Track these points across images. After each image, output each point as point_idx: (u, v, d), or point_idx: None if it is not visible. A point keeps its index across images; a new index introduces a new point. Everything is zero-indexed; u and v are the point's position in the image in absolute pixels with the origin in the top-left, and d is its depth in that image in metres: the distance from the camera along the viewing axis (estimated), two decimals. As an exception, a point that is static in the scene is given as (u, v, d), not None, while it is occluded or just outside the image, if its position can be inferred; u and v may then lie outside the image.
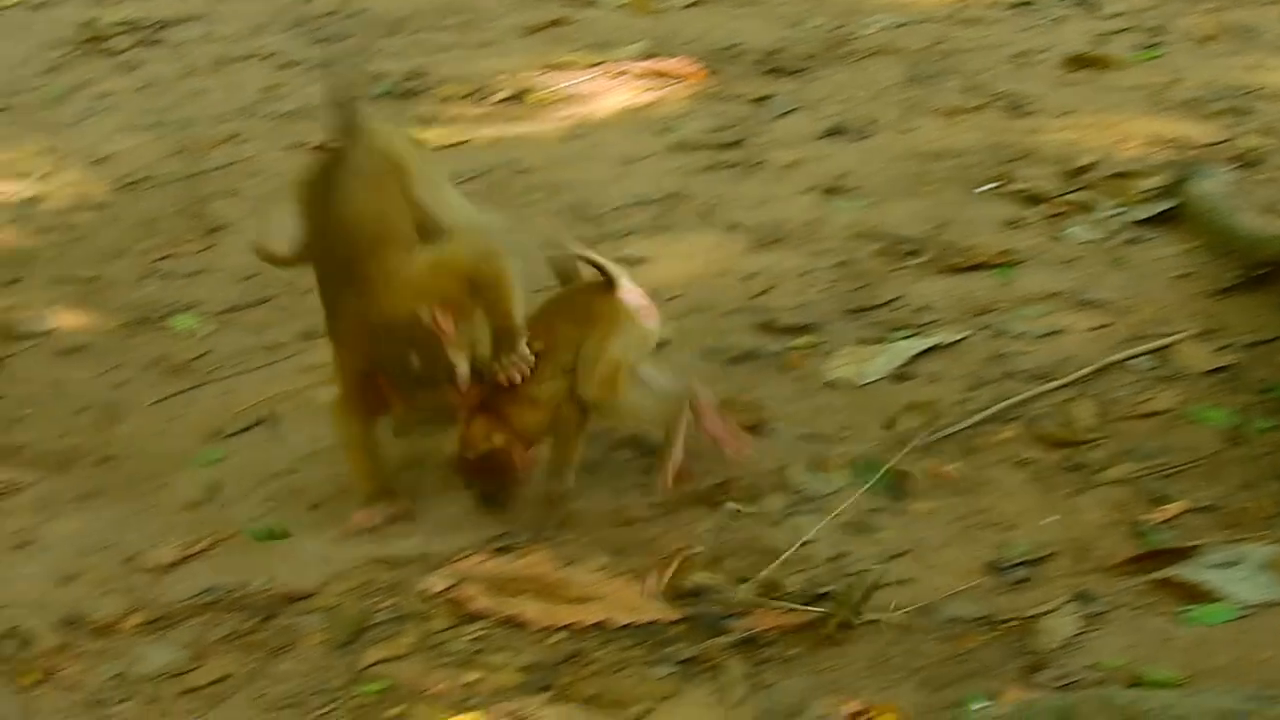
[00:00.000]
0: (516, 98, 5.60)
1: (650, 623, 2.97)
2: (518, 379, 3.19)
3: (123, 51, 6.37)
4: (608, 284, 3.26)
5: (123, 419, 3.85)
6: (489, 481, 3.28)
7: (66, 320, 4.31)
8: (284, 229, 3.42)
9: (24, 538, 3.42)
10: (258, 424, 3.79)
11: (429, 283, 3.21)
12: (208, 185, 5.09)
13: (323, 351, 3.91)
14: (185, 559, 3.31)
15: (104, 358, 4.13)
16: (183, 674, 2.97)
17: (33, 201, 5.06)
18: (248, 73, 6.07)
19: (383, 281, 3.18)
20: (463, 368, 3.18)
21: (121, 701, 2.90)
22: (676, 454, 3.29)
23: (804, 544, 3.15)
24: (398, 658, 2.96)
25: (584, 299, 3.30)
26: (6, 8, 7.02)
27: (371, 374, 3.26)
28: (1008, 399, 3.52)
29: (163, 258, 4.63)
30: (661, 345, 3.44)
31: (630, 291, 3.29)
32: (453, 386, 3.18)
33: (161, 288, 4.46)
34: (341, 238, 3.24)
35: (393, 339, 3.16)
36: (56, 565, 3.31)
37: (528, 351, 3.18)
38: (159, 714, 2.86)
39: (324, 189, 3.28)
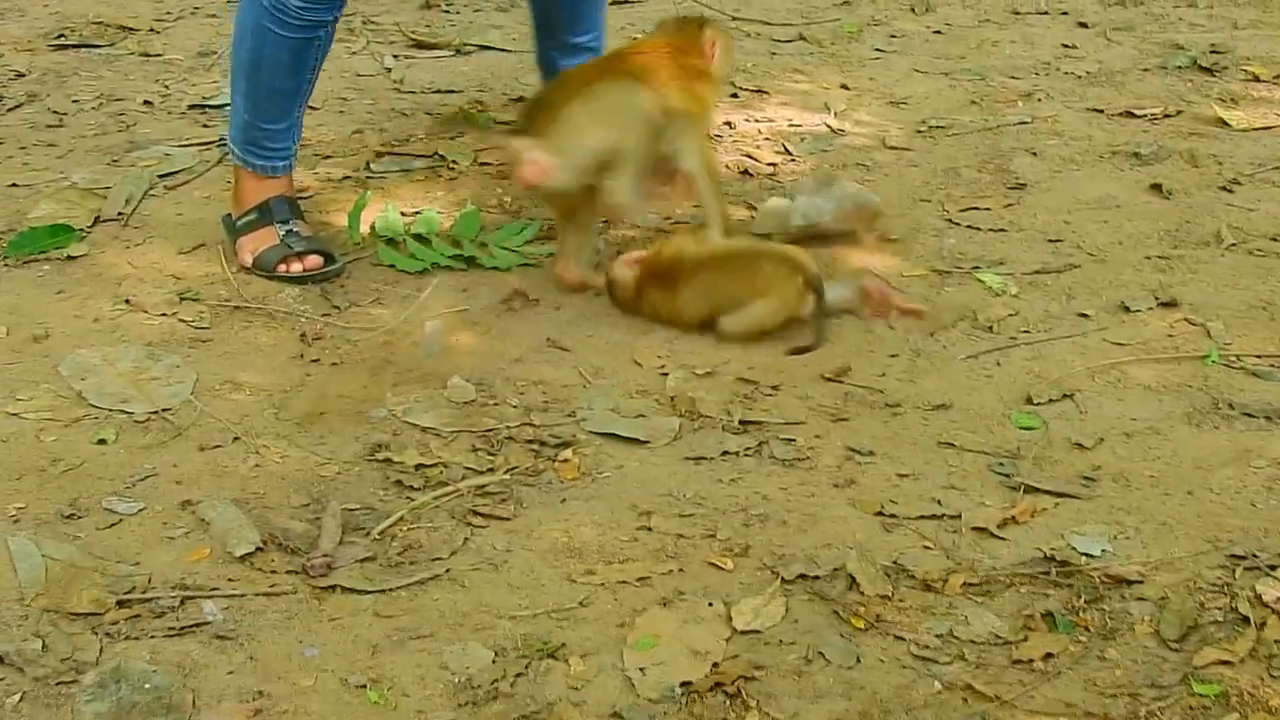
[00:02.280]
0: (1326, 85, 5.39)
1: None
2: None
3: (919, -8, 6.40)
4: None
5: (936, 370, 3.84)
6: None
7: (876, 260, 4.34)
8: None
9: (844, 476, 3.44)
10: (1065, 396, 3.73)
11: None
12: (1007, 140, 5.05)
13: (1134, 328, 3.85)
14: (1004, 523, 3.28)
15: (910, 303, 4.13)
16: (1010, 643, 2.94)
17: (832, 136, 5.11)
18: (1042, 28, 6.00)
19: None
20: None
21: (951, 661, 2.90)
22: None
23: None
24: (1231, 663, 2.87)
25: None
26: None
27: None
28: None
29: (966, 209, 4.61)
30: None
31: None
32: None
33: (966, 240, 4.45)
34: None
35: None
36: (878, 510, 3.32)
37: None
38: (988, 680, 2.84)
39: None
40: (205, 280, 4.22)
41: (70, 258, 4.31)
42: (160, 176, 4.79)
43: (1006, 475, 3.44)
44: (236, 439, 3.57)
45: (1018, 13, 6.14)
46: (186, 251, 4.37)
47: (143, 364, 3.83)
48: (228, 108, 4.70)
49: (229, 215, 4.40)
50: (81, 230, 4.43)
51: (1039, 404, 3.70)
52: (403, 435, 3.59)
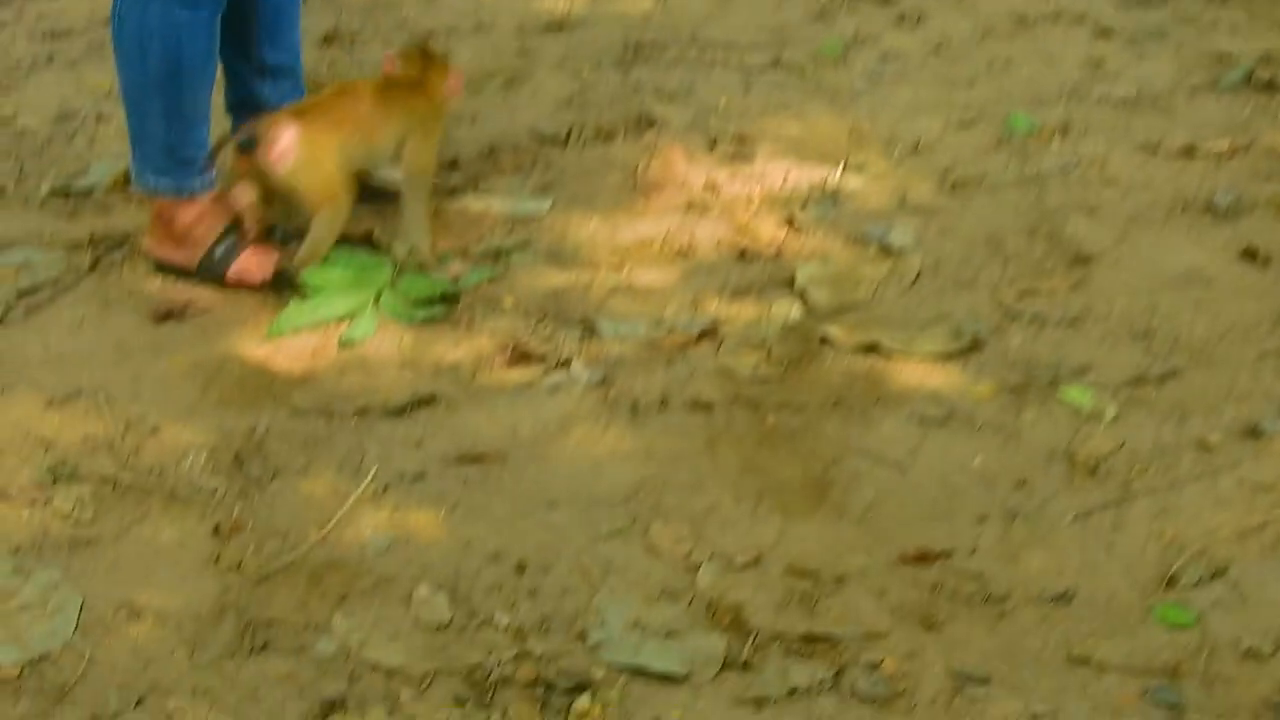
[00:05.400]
0: None
1: None
2: None
3: (898, -1, 5.47)
4: None
5: (1039, 538, 2.97)
6: None
7: (930, 375, 3.46)
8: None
9: (962, 727, 2.57)
10: (1215, 575, 2.87)
11: None
12: (1052, 194, 4.16)
13: (1276, 463, 3.00)
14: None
15: (984, 437, 3.26)
16: None
17: (841, 198, 4.19)
18: (1058, 39, 5.10)
19: None
20: None
21: None
22: None
23: None
24: None
25: None
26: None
27: None
28: None
29: (1024, 294, 3.73)
30: None
31: None
32: None
33: (1034, 339, 3.58)
34: None
35: None
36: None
37: None
38: None
39: None
40: (84, 446, 3.30)
41: (-98, 419, 3.37)
42: (19, 294, 3.82)
43: (1171, 706, 2.58)
44: (140, 702, 2.65)
45: (1021, 22, 5.22)
46: (58, 403, 3.43)
47: (8, 583, 2.91)
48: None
49: (203, 253, 3.87)
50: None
51: (1185, 587, 2.83)
52: (362, 682, 2.70)
